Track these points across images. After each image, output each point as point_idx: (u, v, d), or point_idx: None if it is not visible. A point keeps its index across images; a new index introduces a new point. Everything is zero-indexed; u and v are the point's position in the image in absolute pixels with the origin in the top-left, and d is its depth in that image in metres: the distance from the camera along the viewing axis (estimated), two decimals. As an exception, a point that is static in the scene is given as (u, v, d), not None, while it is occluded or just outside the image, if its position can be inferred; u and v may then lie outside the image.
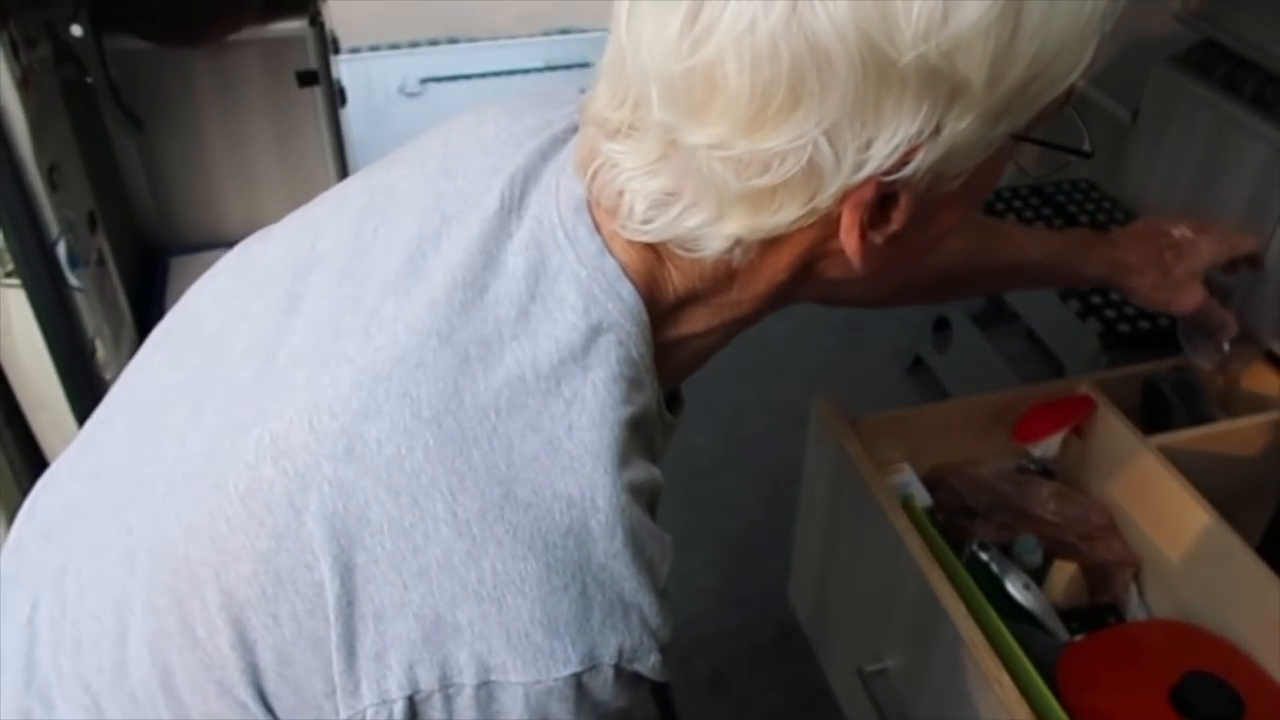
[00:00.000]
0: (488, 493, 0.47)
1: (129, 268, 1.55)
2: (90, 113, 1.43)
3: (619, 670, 0.49)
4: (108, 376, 1.26)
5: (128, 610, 0.53)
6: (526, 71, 2.98)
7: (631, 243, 0.52)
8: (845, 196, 0.47)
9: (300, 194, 1.72)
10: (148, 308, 1.58)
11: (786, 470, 1.73)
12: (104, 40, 1.35)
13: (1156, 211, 1.66)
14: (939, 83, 0.43)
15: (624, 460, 0.50)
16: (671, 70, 0.45)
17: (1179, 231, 0.99)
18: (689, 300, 0.55)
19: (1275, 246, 1.21)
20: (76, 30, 1.24)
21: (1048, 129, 0.52)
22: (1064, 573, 1.07)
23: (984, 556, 1.01)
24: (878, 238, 0.50)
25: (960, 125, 0.45)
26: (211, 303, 0.60)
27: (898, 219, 0.49)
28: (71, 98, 1.35)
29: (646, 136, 0.49)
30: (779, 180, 0.46)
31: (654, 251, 0.53)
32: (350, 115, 2.32)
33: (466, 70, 2.96)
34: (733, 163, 0.46)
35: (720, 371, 1.95)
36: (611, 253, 0.52)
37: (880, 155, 0.45)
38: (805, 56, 0.42)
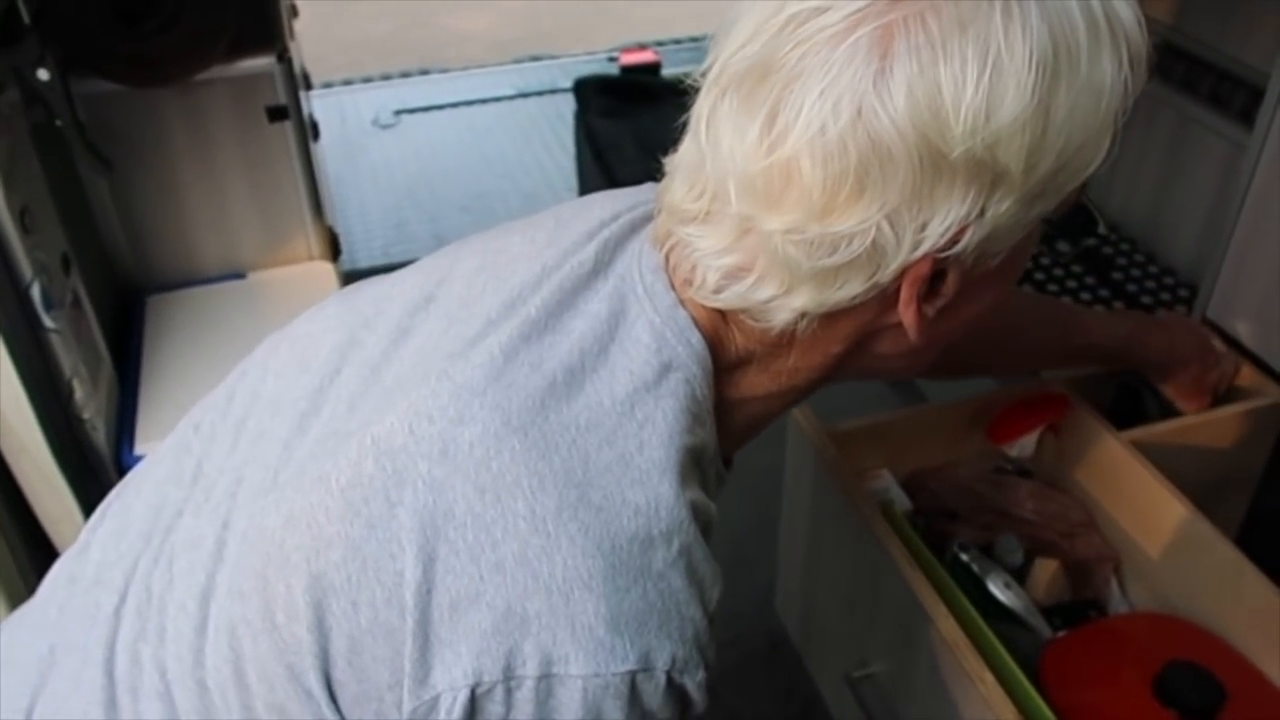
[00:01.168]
0: (564, 494, 0.52)
1: (105, 308, 1.56)
2: (60, 155, 1.43)
3: (670, 679, 0.52)
4: (86, 417, 1.26)
5: (211, 598, 0.57)
6: (499, 99, 3.00)
7: (701, 305, 0.58)
8: (904, 273, 0.53)
9: (275, 230, 1.74)
10: (126, 347, 1.58)
11: (770, 484, 1.73)
12: (72, 83, 1.36)
13: (1122, 214, 1.69)
14: (984, 171, 0.50)
15: (686, 480, 0.55)
16: (752, 169, 0.51)
17: (1217, 344, 1.11)
18: (748, 360, 0.60)
19: (1238, 239, 1.23)
20: (43, 74, 1.25)
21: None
22: (1045, 570, 1.08)
23: (965, 558, 1.02)
24: (930, 310, 0.56)
25: (1002, 208, 0.51)
26: (322, 329, 0.66)
27: (946, 293, 0.55)
28: (41, 141, 1.36)
29: (723, 223, 0.55)
30: (846, 259, 0.52)
31: (721, 315, 0.59)
32: (325, 149, 2.33)
33: (439, 100, 2.98)
34: (805, 245, 0.52)
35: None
36: (684, 307, 0.59)
37: (935, 235, 0.51)
38: (870, 153, 0.49)
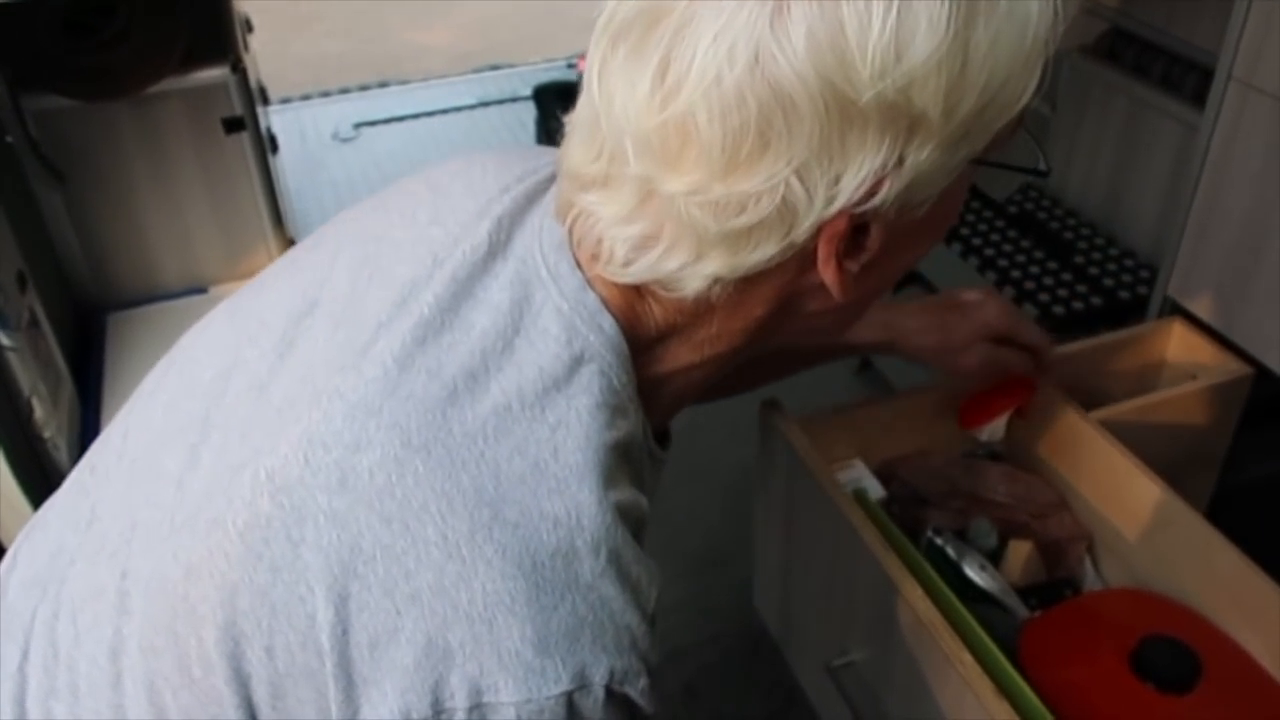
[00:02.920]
0: (476, 515, 0.48)
1: (65, 327, 1.53)
2: (13, 174, 1.41)
3: (610, 692, 0.49)
4: (46, 435, 1.24)
5: (122, 653, 0.53)
6: (459, 109, 2.99)
7: (611, 281, 0.55)
8: (819, 230, 0.50)
9: (235, 243, 1.72)
10: (86, 367, 1.56)
11: (744, 479, 1.73)
12: (23, 99, 1.34)
13: (1081, 199, 1.70)
14: (898, 117, 0.46)
15: (609, 482, 0.52)
16: (645, 125, 0.48)
17: (969, 295, 0.98)
18: (669, 334, 0.57)
19: (1195, 219, 1.24)
20: (-7, 91, 1.24)
21: (1003, 152, 0.56)
22: (1019, 552, 1.08)
23: (939, 542, 1.03)
24: (853, 267, 0.53)
25: (922, 155, 0.48)
26: (205, 351, 0.61)
27: (870, 248, 0.52)
28: (-8, 159, 1.34)
29: (623, 187, 0.51)
30: (756, 220, 0.48)
31: (635, 289, 0.55)
32: (284, 164, 2.32)
33: (400, 112, 2.96)
34: (710, 207, 0.48)
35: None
36: (592, 288, 0.55)
37: (849, 188, 0.48)
38: (770, 102, 0.45)
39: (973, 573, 1.02)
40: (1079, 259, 1.57)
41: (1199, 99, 1.40)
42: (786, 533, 1.17)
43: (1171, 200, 1.48)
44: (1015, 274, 1.54)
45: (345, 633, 0.48)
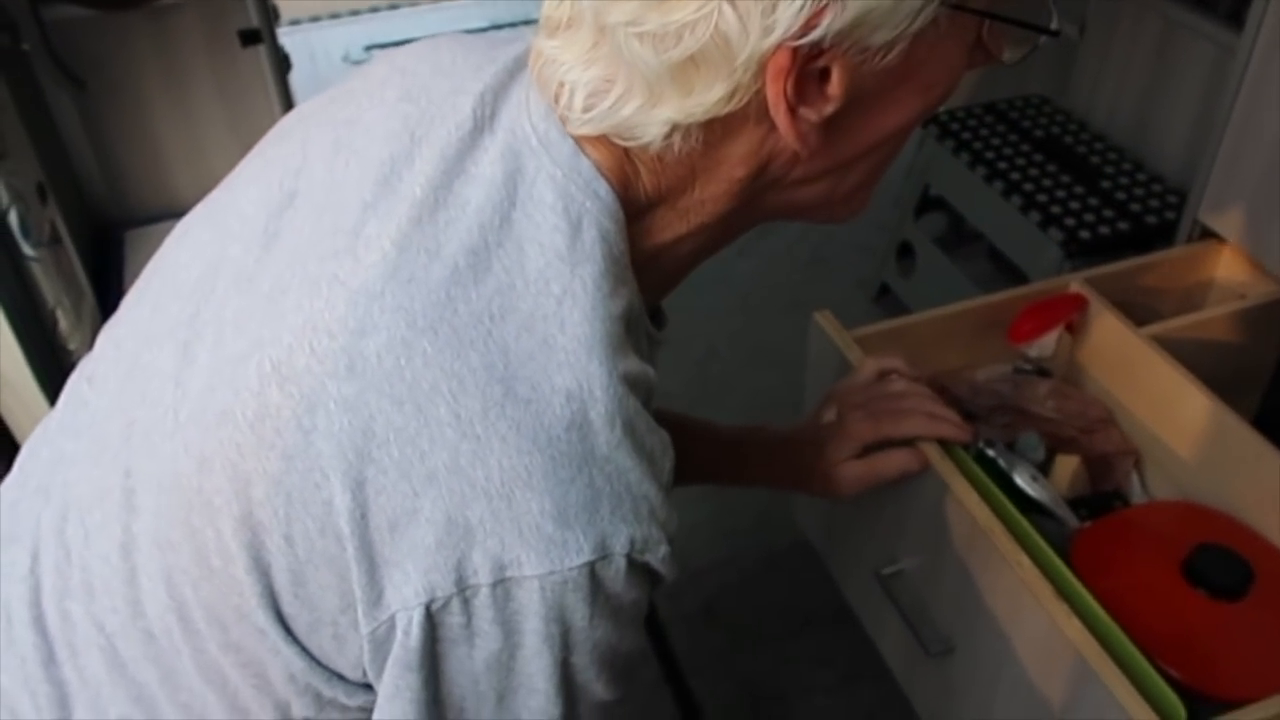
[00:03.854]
0: (488, 392, 0.48)
1: (84, 244, 1.52)
2: (29, 85, 1.39)
3: (631, 561, 0.49)
4: (71, 348, 1.24)
5: (134, 549, 0.53)
6: (471, 32, 2.95)
7: (600, 143, 0.53)
8: (763, 68, 0.48)
9: (252, 159, 1.69)
10: (106, 283, 1.55)
11: (761, 404, 1.74)
12: (41, 8, 1.32)
13: (1109, 122, 1.68)
14: None
15: (618, 352, 0.51)
16: None
17: (827, 414, 0.90)
18: (657, 203, 0.56)
19: (1230, 141, 1.22)
20: (8, -3, 1.21)
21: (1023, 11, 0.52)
22: (1067, 466, 1.08)
23: (991, 453, 1.02)
24: (812, 115, 0.50)
25: None
26: (188, 253, 0.60)
27: (833, 94, 0.50)
28: (8, 67, 1.32)
29: (581, 26, 0.50)
30: (693, 50, 0.47)
31: (622, 150, 0.53)
32: (296, 86, 2.29)
33: (411, 34, 2.90)
34: (649, 39, 0.47)
35: (689, 315, 1.96)
36: (585, 154, 0.53)
37: (786, 18, 0.46)
38: None
39: (1024, 483, 1.01)
40: (1106, 183, 1.55)
41: (1235, 19, 1.37)
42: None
43: (1202, 124, 1.45)
44: (1041, 198, 1.52)
45: (364, 516, 0.48)
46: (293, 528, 0.49)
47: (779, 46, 0.47)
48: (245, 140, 0.63)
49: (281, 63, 1.69)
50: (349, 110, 0.59)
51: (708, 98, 0.49)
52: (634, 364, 0.52)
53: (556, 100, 0.53)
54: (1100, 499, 1.07)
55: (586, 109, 0.51)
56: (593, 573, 0.48)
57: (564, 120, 0.53)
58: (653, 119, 0.50)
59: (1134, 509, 1.06)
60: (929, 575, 0.99)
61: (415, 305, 0.49)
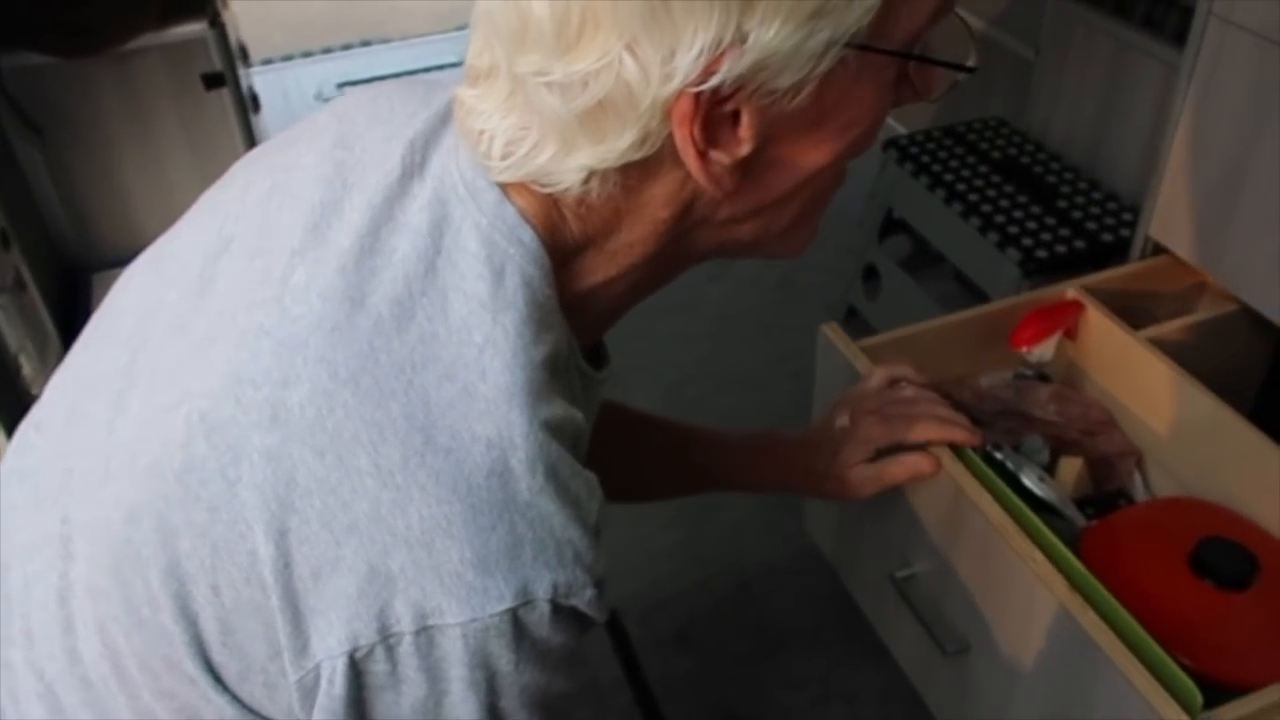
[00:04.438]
0: (408, 441, 0.48)
1: (50, 287, 1.53)
2: (-7, 134, 1.40)
3: (555, 606, 0.49)
4: (35, 392, 1.24)
5: (70, 597, 0.54)
6: (441, 68, 2.97)
7: (526, 190, 0.54)
8: (667, 113, 0.49)
9: (220, 200, 1.70)
10: (74, 327, 1.56)
11: (734, 428, 1.74)
12: (0, 56, 1.33)
13: (1066, 142, 1.70)
14: None
15: (540, 399, 0.51)
16: (494, 4, 0.48)
17: (840, 419, 0.93)
18: (585, 246, 0.56)
19: (1175, 159, 1.25)
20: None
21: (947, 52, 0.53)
22: (1070, 468, 1.11)
23: (999, 455, 1.04)
24: (724, 158, 0.51)
25: (769, 32, 0.46)
26: (129, 299, 0.61)
27: (746, 138, 0.51)
28: (-29, 118, 1.33)
29: (498, 76, 0.52)
30: (598, 98, 0.48)
31: (548, 197, 0.54)
32: (268, 124, 2.30)
33: (382, 71, 2.94)
34: (556, 88, 0.48)
35: (660, 340, 1.97)
36: (510, 201, 0.54)
37: (685, 65, 0.46)
38: None
39: (1031, 483, 1.04)
40: (1062, 203, 1.58)
41: (1180, 38, 1.40)
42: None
43: (1154, 142, 1.48)
44: (999, 219, 1.54)
45: (287, 566, 0.48)
46: (219, 578, 0.49)
47: (681, 92, 0.47)
48: (211, 182, 0.64)
49: (248, 103, 1.71)
50: (289, 156, 0.60)
51: (619, 144, 0.50)
52: (558, 409, 0.53)
53: (478, 149, 0.54)
54: (1104, 498, 1.10)
55: (504, 156, 0.52)
56: (515, 619, 0.48)
57: (486, 168, 0.54)
58: (568, 166, 0.51)
59: (1138, 506, 1.09)
60: (942, 576, 1.01)
61: (338, 356, 0.50)
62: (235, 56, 1.68)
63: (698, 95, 0.48)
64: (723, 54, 0.47)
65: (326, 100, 2.82)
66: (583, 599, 0.50)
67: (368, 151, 0.58)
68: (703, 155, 0.50)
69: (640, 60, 0.47)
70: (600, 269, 0.58)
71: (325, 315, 0.51)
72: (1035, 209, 1.56)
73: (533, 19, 0.47)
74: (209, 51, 1.51)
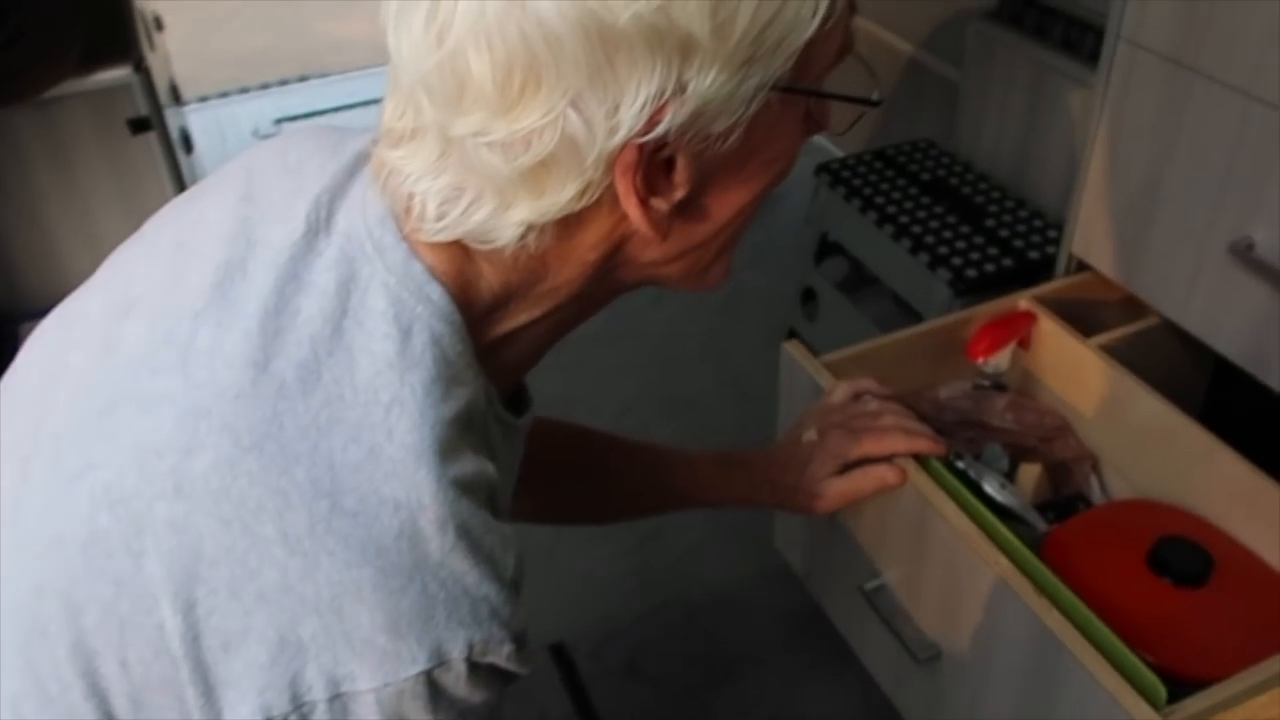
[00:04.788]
0: (314, 507, 0.48)
1: (-24, 340, 1.50)
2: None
3: (472, 664, 0.49)
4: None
5: None
6: (379, 101, 2.97)
7: (438, 246, 0.54)
8: (611, 165, 0.49)
9: (151, 244, 1.68)
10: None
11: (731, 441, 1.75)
12: (-83, 108, 1.31)
13: (992, 162, 1.74)
14: (665, 39, 0.46)
15: (448, 457, 0.51)
16: (425, 67, 0.48)
17: (807, 434, 0.95)
18: (507, 296, 0.56)
19: (1093, 177, 1.28)
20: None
21: (846, 85, 0.55)
22: (1029, 474, 1.15)
23: (961, 465, 1.06)
24: (662, 205, 0.52)
25: (706, 80, 0.48)
26: (34, 361, 0.60)
27: (681, 183, 0.52)
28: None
29: (426, 138, 0.51)
30: (542, 156, 0.48)
31: (462, 251, 0.54)
32: (204, 163, 2.29)
33: (321, 106, 2.93)
34: (497, 147, 0.48)
35: (603, 369, 1.97)
36: (418, 257, 0.54)
37: (629, 118, 0.47)
38: (533, 33, 0.45)
39: (993, 490, 1.07)
40: (990, 222, 1.60)
41: (1096, 60, 1.43)
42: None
43: (1075, 161, 1.51)
44: (929, 239, 1.57)
45: (196, 638, 0.48)
46: (127, 653, 0.49)
47: (626, 144, 0.48)
48: (140, 226, 0.63)
49: (178, 145, 1.69)
50: (196, 211, 0.60)
51: (560, 197, 0.50)
52: (469, 465, 0.52)
53: (409, 211, 0.53)
54: (1063, 502, 1.14)
55: (439, 217, 0.52)
56: (430, 680, 0.48)
57: (418, 230, 0.53)
58: (506, 222, 0.51)
59: (1097, 509, 1.12)
60: (911, 586, 1.03)
61: (242, 423, 0.49)
62: (164, 99, 1.67)
63: (642, 146, 0.48)
64: (665, 104, 0.47)
65: (265, 137, 2.80)
66: (500, 655, 0.50)
67: (273, 206, 0.57)
68: (644, 203, 0.51)
69: (585, 115, 0.47)
70: (524, 312, 0.58)
71: (229, 382, 0.50)
72: (964, 229, 1.59)
73: (472, 80, 0.47)
74: (134, 96, 1.50)
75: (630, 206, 0.51)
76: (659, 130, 0.48)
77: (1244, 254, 1.09)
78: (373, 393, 0.51)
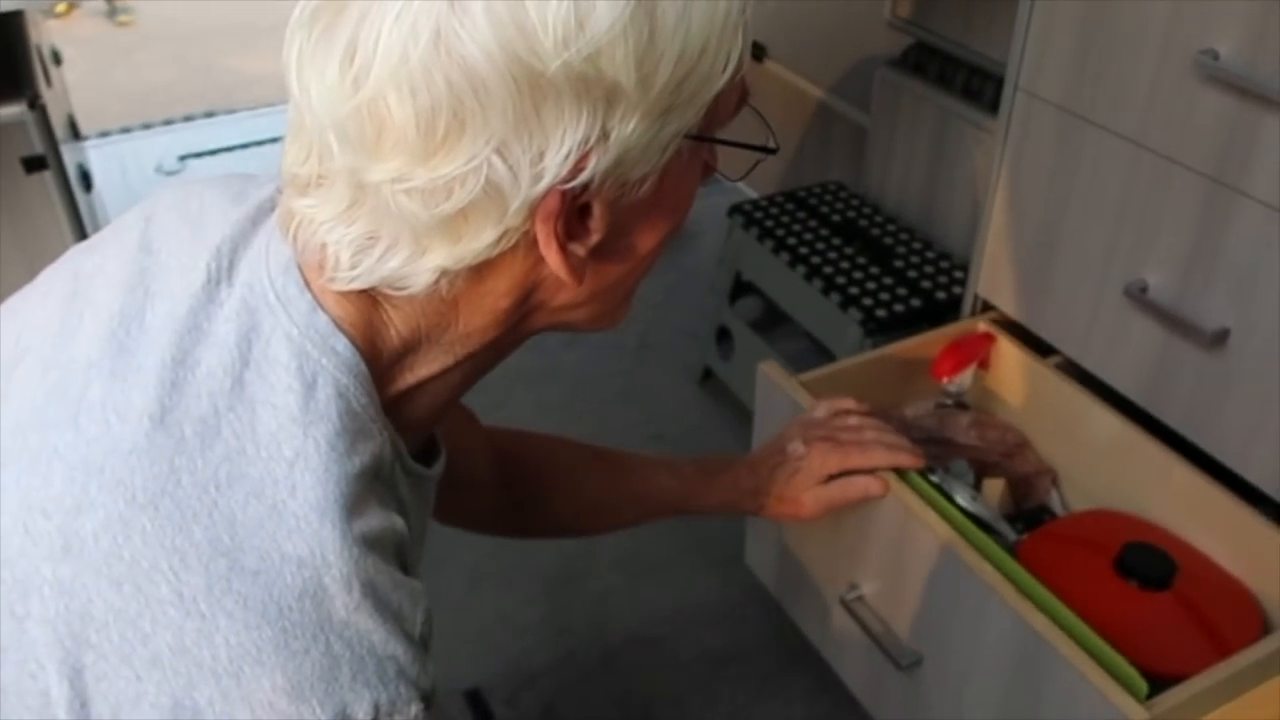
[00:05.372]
0: (212, 567, 0.46)
1: None
2: None
3: None
4: None
5: None
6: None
7: (344, 295, 0.53)
8: (533, 211, 0.49)
9: (47, 285, 1.62)
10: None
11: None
12: None
13: (900, 204, 1.78)
14: (592, 87, 0.46)
15: (354, 513, 0.50)
16: (340, 112, 0.47)
17: (793, 448, 0.99)
18: (416, 344, 0.56)
19: (995, 221, 1.32)
20: None
21: (738, 132, 0.57)
22: (993, 488, 1.21)
23: (934, 478, 1.10)
24: (579, 250, 0.52)
25: (627, 128, 0.48)
26: None
27: (596, 228, 0.52)
28: None
29: (335, 184, 0.50)
30: (464, 203, 0.48)
31: (369, 299, 0.53)
32: (104, 200, 2.22)
33: (228, 143, 2.87)
34: (417, 194, 0.48)
35: (517, 409, 1.96)
36: (323, 308, 0.53)
37: (554, 165, 0.47)
38: (459, 80, 0.45)
39: (965, 502, 1.11)
40: (899, 263, 1.64)
41: (996, 108, 1.48)
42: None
43: (981, 203, 1.56)
44: (840, 280, 1.60)
45: (84, 706, 0.46)
46: None
47: (549, 191, 0.48)
48: (35, 266, 0.60)
49: (75, 183, 1.64)
50: (94, 260, 0.58)
51: (477, 244, 0.50)
52: (375, 520, 0.51)
53: (321, 262, 0.52)
54: (1028, 514, 1.20)
55: (352, 266, 0.51)
56: None
57: (331, 279, 0.52)
58: (421, 268, 0.51)
59: (1063, 519, 1.19)
60: (891, 594, 1.07)
61: (136, 479, 0.48)
62: (61, 134, 1.62)
63: (564, 193, 0.49)
64: (589, 152, 0.48)
65: (169, 174, 2.74)
66: (407, 715, 0.49)
67: (173, 255, 0.56)
68: (562, 248, 0.51)
69: (509, 162, 0.47)
70: (435, 361, 0.57)
71: (123, 436, 0.49)
72: (874, 270, 1.62)
73: (392, 125, 0.46)
74: (28, 134, 1.45)
75: (550, 252, 0.51)
76: (582, 177, 0.48)
77: (1138, 296, 1.13)
78: (275, 447, 0.49)
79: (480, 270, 0.52)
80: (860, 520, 1.06)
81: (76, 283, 0.57)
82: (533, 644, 1.52)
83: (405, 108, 0.46)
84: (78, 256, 0.60)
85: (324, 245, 0.52)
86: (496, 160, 0.47)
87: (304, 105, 0.48)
